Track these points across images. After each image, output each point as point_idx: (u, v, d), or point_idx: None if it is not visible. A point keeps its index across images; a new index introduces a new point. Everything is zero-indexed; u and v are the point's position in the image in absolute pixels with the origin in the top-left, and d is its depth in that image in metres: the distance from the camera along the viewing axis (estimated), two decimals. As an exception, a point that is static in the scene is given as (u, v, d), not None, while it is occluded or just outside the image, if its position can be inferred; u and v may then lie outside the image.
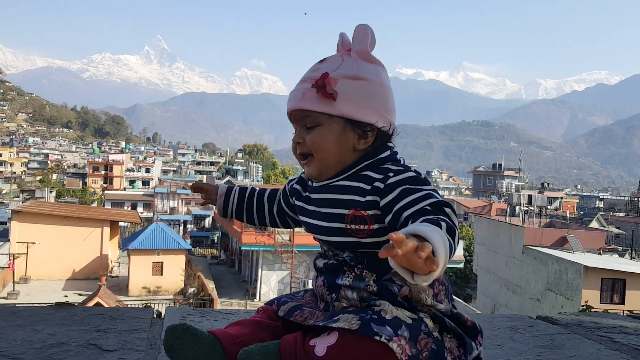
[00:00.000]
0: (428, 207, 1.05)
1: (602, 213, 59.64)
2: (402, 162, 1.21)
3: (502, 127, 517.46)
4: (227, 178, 70.49)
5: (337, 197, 1.18)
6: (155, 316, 1.52)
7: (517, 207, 39.94)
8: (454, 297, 1.13)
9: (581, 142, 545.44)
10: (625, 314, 1.90)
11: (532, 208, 39.12)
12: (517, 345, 1.42)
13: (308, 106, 1.18)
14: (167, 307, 1.58)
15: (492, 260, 33.66)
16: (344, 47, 1.24)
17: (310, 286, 1.29)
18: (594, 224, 52.14)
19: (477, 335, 1.15)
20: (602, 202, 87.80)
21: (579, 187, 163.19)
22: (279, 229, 25.09)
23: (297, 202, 1.29)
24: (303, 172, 1.34)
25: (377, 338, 0.99)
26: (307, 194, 1.26)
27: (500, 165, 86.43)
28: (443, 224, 0.95)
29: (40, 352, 1.14)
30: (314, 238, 1.26)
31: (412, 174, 1.14)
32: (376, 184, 1.14)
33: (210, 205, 1.46)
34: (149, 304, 20.75)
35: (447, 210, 1.06)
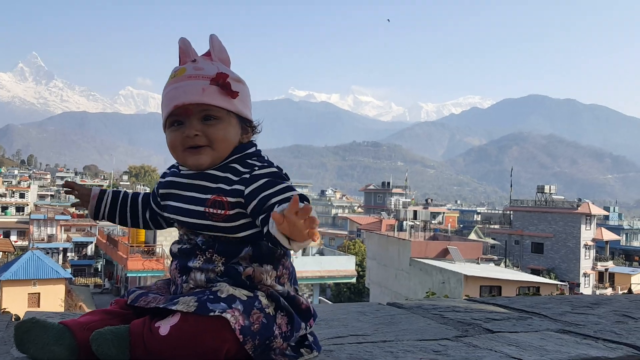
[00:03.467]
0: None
1: (480, 225, 64.31)
2: (266, 158, 1.34)
3: (389, 147, 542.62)
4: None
5: (204, 184, 1.27)
6: (13, 319, 1.51)
7: (405, 222, 41.95)
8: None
9: (459, 160, 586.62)
10: (463, 297, 2.17)
11: (418, 223, 41.30)
12: (359, 325, 1.60)
13: (211, 101, 1.26)
14: (27, 312, 1.56)
15: (383, 274, 34.97)
16: (206, 53, 1.35)
17: None
18: (472, 236, 56.00)
19: (309, 318, 1.28)
20: (480, 215, 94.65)
21: (458, 202, 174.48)
22: (168, 255, 24.29)
23: (162, 190, 1.35)
24: (169, 168, 1.42)
25: (212, 314, 1.10)
26: (175, 178, 1.34)
27: (389, 183, 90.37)
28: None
29: None
30: (174, 223, 1.33)
31: (274, 169, 1.28)
32: (243, 175, 1.26)
33: (81, 206, 1.48)
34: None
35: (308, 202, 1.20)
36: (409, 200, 75.40)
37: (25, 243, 55.67)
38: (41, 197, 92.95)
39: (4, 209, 79.00)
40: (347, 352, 1.30)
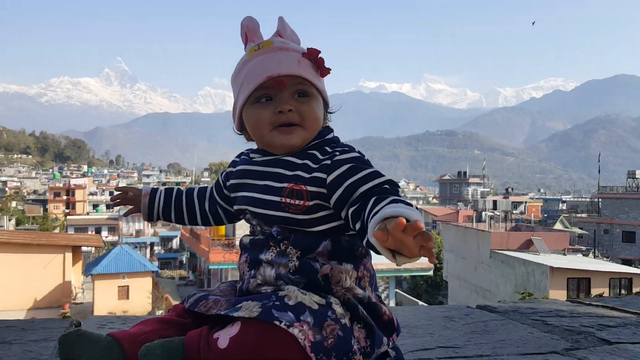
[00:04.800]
0: (387, 186, 1.04)
1: (565, 215, 61.21)
2: (344, 144, 1.19)
3: (465, 135, 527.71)
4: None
5: (280, 172, 1.14)
6: (72, 325, 1.44)
7: (483, 213, 40.64)
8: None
9: (542, 147, 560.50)
10: (565, 300, 1.90)
11: (498, 213, 39.85)
12: (448, 333, 1.39)
13: (307, 75, 1.13)
14: (89, 317, 1.50)
15: (462, 267, 34.03)
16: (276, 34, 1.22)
17: None
18: (557, 226, 53.43)
19: (392, 332, 1.12)
20: (565, 204, 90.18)
21: (542, 190, 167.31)
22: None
23: (233, 181, 1.23)
24: (237, 157, 1.29)
25: (277, 323, 0.94)
26: (247, 167, 1.20)
27: (465, 172, 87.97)
28: (415, 208, 0.93)
29: None
30: (246, 216, 1.20)
31: (357, 153, 1.13)
32: (324, 162, 1.11)
33: (134, 210, 1.38)
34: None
35: (399, 190, 1.06)
36: (488, 189, 73.10)
37: (115, 238, 59.09)
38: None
39: (95, 206, 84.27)
40: (437, 371, 1.10)
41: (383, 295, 19.70)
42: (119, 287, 23.30)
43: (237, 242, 20.53)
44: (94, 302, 23.20)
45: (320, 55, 1.15)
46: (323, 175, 1.10)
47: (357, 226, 1.00)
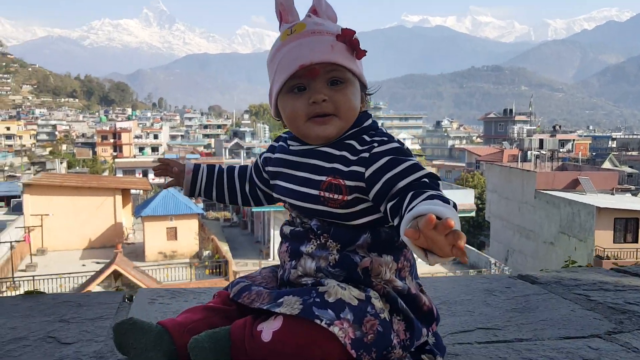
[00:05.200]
0: (426, 180, 1.01)
1: (615, 153, 59.12)
2: (384, 131, 1.15)
3: (512, 71, 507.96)
4: (235, 141, 70.44)
5: (318, 164, 1.12)
6: (125, 299, 1.51)
7: (529, 152, 39.67)
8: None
9: (593, 82, 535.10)
10: (610, 267, 1.86)
11: (544, 152, 38.81)
12: (488, 311, 1.37)
13: (341, 60, 1.08)
14: (139, 290, 1.57)
15: (505, 207, 33.67)
16: (311, 10, 1.17)
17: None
18: (606, 165, 51.74)
19: (431, 322, 1.11)
20: (615, 142, 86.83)
21: (591, 128, 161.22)
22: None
23: (271, 168, 1.23)
24: (275, 141, 1.28)
25: (318, 322, 0.96)
26: (284, 156, 1.19)
27: (511, 110, 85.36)
28: (451, 203, 0.91)
29: None
30: (284, 204, 1.20)
31: (396, 144, 1.10)
32: (362, 154, 1.08)
33: (174, 183, 1.40)
34: (165, 267, 21.17)
35: (440, 184, 1.03)
36: (534, 127, 70.89)
37: (162, 181, 60.76)
38: (172, 137, 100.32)
39: (141, 149, 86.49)
40: (475, 357, 1.11)
41: (424, 238, 19.83)
42: (167, 228, 24.15)
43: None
44: (144, 243, 24.22)
45: (355, 37, 1.10)
46: (361, 169, 1.07)
47: (396, 221, 0.99)
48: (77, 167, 69.62)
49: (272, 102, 1.17)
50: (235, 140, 71.15)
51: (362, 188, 1.07)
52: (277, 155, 1.22)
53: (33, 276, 19.46)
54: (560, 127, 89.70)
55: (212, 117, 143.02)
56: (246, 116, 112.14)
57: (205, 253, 23.54)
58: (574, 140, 68.52)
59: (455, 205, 0.93)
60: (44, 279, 19.39)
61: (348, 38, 1.09)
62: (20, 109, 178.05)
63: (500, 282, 1.63)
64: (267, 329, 1.00)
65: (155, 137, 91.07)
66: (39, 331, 1.22)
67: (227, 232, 31.34)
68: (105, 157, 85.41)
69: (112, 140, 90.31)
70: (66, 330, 1.24)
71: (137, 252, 24.48)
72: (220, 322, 1.09)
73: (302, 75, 1.09)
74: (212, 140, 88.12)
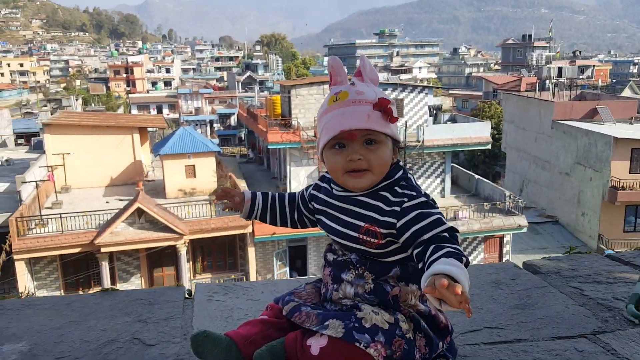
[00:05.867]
0: (446, 235, 1.25)
1: (636, 79, 57.61)
2: (412, 181, 1.38)
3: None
4: (248, 73, 69.62)
5: (357, 211, 1.35)
6: (186, 296, 1.78)
7: (547, 81, 38.87)
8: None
9: (616, 2, 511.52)
10: (604, 254, 2.07)
11: (562, 80, 38.03)
12: (494, 308, 1.60)
13: (375, 127, 1.30)
14: (197, 286, 1.83)
15: (521, 138, 33.53)
16: (356, 72, 1.39)
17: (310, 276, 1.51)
18: (626, 92, 50.60)
19: (446, 335, 1.37)
20: (637, 66, 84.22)
21: (612, 52, 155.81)
22: (303, 127, 25.28)
23: (317, 206, 1.46)
24: (321, 180, 1.51)
25: (357, 345, 1.22)
26: (328, 199, 1.43)
27: (530, 36, 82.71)
28: (464, 259, 1.16)
29: (96, 353, 1.39)
30: (328, 236, 1.44)
31: (423, 198, 1.32)
32: (394, 207, 1.31)
33: (233, 209, 1.64)
34: (186, 204, 21.78)
35: (458, 236, 1.28)
36: (553, 53, 68.73)
37: (176, 115, 60.97)
38: (184, 70, 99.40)
39: (154, 84, 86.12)
40: (480, 359, 1.36)
41: (439, 170, 19.74)
42: (185, 166, 24.55)
43: (294, 122, 20.74)
44: (164, 180, 24.76)
45: (389, 105, 1.32)
46: (393, 221, 1.29)
47: (420, 266, 1.25)
48: (93, 104, 69.83)
49: (319, 152, 1.39)
50: (248, 72, 70.35)
51: (393, 234, 1.31)
52: (322, 196, 1.45)
53: (60, 214, 20.19)
54: (580, 52, 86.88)
55: (223, 49, 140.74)
56: (258, 47, 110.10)
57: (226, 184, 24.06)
58: (594, 66, 66.62)
59: (467, 262, 1.17)
60: (70, 217, 20.14)
61: (383, 107, 1.31)
62: (32, 45, 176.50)
63: (507, 273, 1.85)
64: (315, 345, 1.26)
65: (167, 71, 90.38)
66: (124, 332, 1.49)
67: (243, 168, 31.76)
68: (119, 93, 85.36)
69: (124, 75, 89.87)
70: (147, 331, 1.51)
71: (157, 190, 25.08)
72: (275, 333, 1.36)
73: (343, 137, 1.32)
74: (225, 73, 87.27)
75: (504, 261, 22.46)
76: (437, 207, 1.33)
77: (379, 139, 1.33)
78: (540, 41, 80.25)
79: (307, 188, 1.55)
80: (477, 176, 28.08)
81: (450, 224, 1.29)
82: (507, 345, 1.40)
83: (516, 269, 1.93)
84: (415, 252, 1.27)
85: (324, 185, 1.48)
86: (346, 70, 1.41)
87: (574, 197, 27.36)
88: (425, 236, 1.25)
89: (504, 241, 24.34)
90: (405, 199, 1.32)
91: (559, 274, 1.84)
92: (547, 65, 44.57)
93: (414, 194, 1.33)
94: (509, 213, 23.29)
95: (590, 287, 1.71)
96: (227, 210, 1.61)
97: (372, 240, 1.32)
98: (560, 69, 40.40)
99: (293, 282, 1.83)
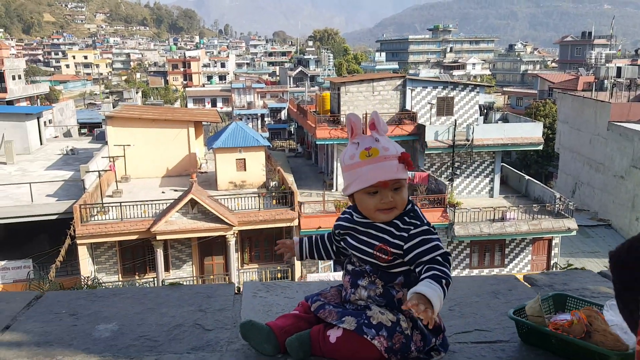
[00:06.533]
0: (439, 258, 1.63)
1: None
2: (418, 212, 1.74)
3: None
4: (300, 69, 70.37)
5: (374, 233, 1.74)
6: (236, 291, 2.20)
7: (605, 81, 37.62)
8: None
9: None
10: (597, 271, 2.33)
11: (622, 80, 36.72)
12: (488, 314, 1.85)
13: (402, 176, 1.70)
14: (244, 284, 2.24)
15: (576, 139, 32.67)
16: (371, 125, 1.75)
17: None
18: (693, 93, 48.11)
19: (439, 333, 1.72)
20: None
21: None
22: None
23: (342, 230, 1.84)
24: (342, 214, 1.88)
25: (365, 337, 1.61)
26: (351, 224, 1.81)
27: (590, 33, 79.74)
28: (443, 282, 1.56)
29: (168, 334, 1.81)
30: (349, 251, 1.81)
31: (426, 227, 1.70)
32: (402, 233, 1.69)
33: (288, 252, 2.03)
34: (237, 195, 22.55)
35: (450, 259, 1.66)
36: (614, 52, 66.12)
37: (229, 109, 62.48)
38: (238, 65, 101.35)
39: (209, 78, 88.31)
40: (465, 355, 1.70)
41: (488, 170, 19.78)
42: (236, 159, 25.37)
43: (342, 119, 21.08)
44: (216, 173, 25.67)
45: (409, 158, 1.71)
46: (401, 243, 1.67)
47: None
48: (151, 97, 72.35)
49: (348, 192, 1.76)
50: (300, 68, 71.14)
51: (400, 254, 1.69)
52: (345, 223, 1.85)
53: (120, 202, 21.34)
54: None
55: (276, 43, 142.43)
56: (310, 43, 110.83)
57: (272, 184, 24.68)
58: (659, 65, 63.59)
59: (448, 283, 1.57)
60: (129, 206, 21.26)
61: (406, 160, 1.70)
62: (95, 38, 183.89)
63: (507, 284, 2.15)
64: (333, 335, 1.66)
65: (223, 65, 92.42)
66: (189, 319, 1.91)
67: (292, 162, 32.40)
68: (176, 86, 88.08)
69: (182, 69, 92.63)
70: (205, 318, 1.93)
71: (209, 181, 26.04)
72: (304, 325, 1.76)
73: (377, 185, 1.70)
74: (277, 68, 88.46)
75: (504, 273, 22.14)
76: (437, 234, 1.72)
77: (403, 184, 1.72)
78: (601, 39, 77.31)
79: (335, 225, 1.94)
80: (527, 177, 27.64)
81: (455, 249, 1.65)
82: (489, 345, 1.74)
83: (516, 281, 2.24)
84: (416, 269, 1.66)
85: (345, 216, 1.88)
86: (362, 123, 1.78)
87: (628, 201, 26.52)
88: (424, 258, 1.64)
89: (553, 244, 23.93)
90: (412, 227, 1.70)
91: (552, 287, 2.14)
92: (606, 65, 43.02)
93: (419, 223, 1.71)
94: (559, 215, 22.88)
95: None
96: (286, 256, 2.02)
97: (383, 256, 1.70)
98: (619, 69, 38.93)
99: (322, 284, 2.21)
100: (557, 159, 38.01)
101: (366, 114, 26.05)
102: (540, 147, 27.68)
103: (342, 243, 1.88)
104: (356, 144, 1.73)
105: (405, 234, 1.68)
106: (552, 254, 24.01)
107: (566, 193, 30.91)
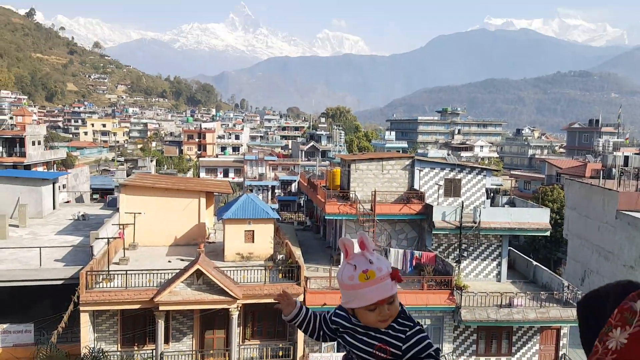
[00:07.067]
0: (432, 353, 1.88)
1: None
2: (407, 313, 1.99)
3: (601, 76, 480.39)
4: (312, 143, 71.91)
5: (373, 334, 1.97)
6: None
7: (613, 169, 38.04)
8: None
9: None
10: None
11: (629, 169, 37.12)
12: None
13: (395, 292, 1.95)
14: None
15: (584, 225, 32.67)
16: (360, 244, 2.00)
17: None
18: (701, 185, 48.28)
19: None
20: None
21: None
22: (360, 200, 25.92)
23: (341, 329, 2.07)
24: (339, 310, 2.10)
25: None
26: (350, 325, 2.03)
27: (597, 120, 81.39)
28: None
29: None
30: (348, 348, 2.04)
31: (419, 327, 1.96)
32: (399, 334, 1.93)
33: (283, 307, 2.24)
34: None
35: (440, 353, 1.91)
36: (622, 140, 67.22)
37: (241, 179, 63.41)
38: (252, 137, 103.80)
39: (223, 149, 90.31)
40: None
41: (495, 253, 19.94)
42: (245, 231, 25.59)
43: (351, 195, 21.39)
44: (224, 243, 25.81)
45: (399, 274, 1.96)
46: (399, 344, 1.92)
47: None
48: (165, 166, 73.72)
49: (348, 305, 2.00)
50: (312, 143, 72.74)
51: (398, 354, 1.93)
52: (344, 322, 2.08)
53: (126, 271, 21.41)
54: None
55: (290, 119, 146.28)
56: (322, 119, 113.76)
57: (280, 256, 24.74)
58: (666, 155, 64.30)
59: None
60: (135, 274, 21.29)
61: (396, 277, 1.95)
62: (115, 107, 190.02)
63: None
64: None
65: (237, 137, 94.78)
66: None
67: (300, 235, 32.51)
68: (190, 156, 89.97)
69: (197, 140, 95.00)
70: None
71: (217, 251, 26.12)
72: None
73: (376, 303, 1.95)
74: (290, 142, 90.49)
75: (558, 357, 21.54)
76: (426, 332, 1.98)
77: (395, 297, 1.98)
78: (608, 127, 78.81)
79: (327, 313, 2.19)
80: (535, 262, 27.44)
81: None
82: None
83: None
84: None
85: (343, 314, 2.10)
86: (355, 246, 2.03)
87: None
88: (421, 355, 1.90)
89: (561, 334, 23.38)
90: (407, 329, 1.95)
91: None
92: (613, 153, 43.67)
93: (412, 324, 1.97)
94: (567, 304, 22.50)
95: None
96: (281, 308, 2.24)
97: (382, 355, 1.94)
98: (626, 158, 39.47)
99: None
100: (566, 245, 37.81)
101: (375, 191, 26.63)
102: (548, 234, 27.67)
103: (332, 334, 2.11)
104: (353, 266, 1.95)
105: (403, 335, 1.92)
106: (561, 345, 23.42)
107: (575, 281, 30.51)
